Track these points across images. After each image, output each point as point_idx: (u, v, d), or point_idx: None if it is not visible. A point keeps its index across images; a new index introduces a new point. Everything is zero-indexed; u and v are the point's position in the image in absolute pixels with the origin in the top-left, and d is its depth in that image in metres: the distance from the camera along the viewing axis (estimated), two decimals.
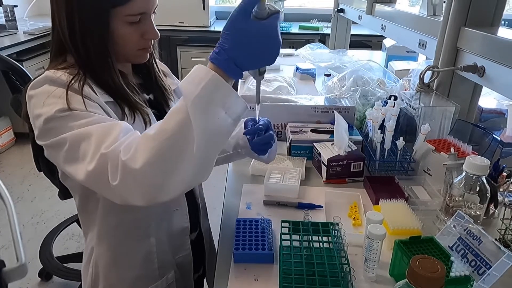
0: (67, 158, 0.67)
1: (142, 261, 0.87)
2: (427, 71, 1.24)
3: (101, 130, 0.65)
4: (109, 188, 0.62)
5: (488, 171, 0.90)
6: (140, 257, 0.87)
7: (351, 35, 2.99)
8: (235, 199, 1.04)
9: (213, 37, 3.96)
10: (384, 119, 1.20)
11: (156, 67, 0.92)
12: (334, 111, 1.22)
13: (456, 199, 0.91)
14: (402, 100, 1.29)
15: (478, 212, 0.90)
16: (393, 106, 1.19)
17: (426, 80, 1.26)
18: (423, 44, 1.43)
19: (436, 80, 1.26)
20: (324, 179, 1.12)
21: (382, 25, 1.87)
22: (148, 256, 0.87)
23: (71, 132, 0.66)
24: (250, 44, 0.59)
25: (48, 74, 0.72)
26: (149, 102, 0.88)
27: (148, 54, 0.83)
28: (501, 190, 1.02)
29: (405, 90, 1.45)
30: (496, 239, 0.90)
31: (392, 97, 1.26)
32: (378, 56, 2.62)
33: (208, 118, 0.59)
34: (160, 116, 0.85)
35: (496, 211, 0.99)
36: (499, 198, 0.98)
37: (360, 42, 3.87)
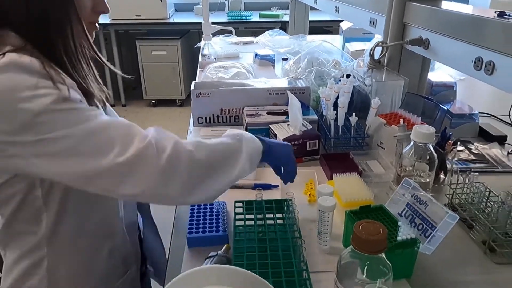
0: (68, 152, 0.59)
1: (107, 258, 0.81)
2: (377, 47, 1.25)
3: (121, 124, 0.63)
4: (143, 177, 0.61)
5: (435, 139, 0.93)
6: (105, 254, 0.81)
7: (312, 21, 3.00)
8: None
9: (173, 30, 3.88)
10: (337, 97, 1.21)
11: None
12: (288, 91, 1.22)
13: (407, 168, 0.93)
14: (355, 78, 1.31)
15: (428, 180, 0.93)
16: (345, 84, 1.20)
17: (376, 57, 1.28)
18: (373, 22, 1.45)
19: (386, 56, 1.29)
20: None
21: (336, 7, 1.88)
22: (112, 252, 0.82)
23: (80, 125, 0.60)
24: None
25: (14, 59, 0.58)
26: None
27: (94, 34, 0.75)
28: (450, 158, 1.06)
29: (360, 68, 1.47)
30: (444, 204, 0.93)
31: (345, 75, 1.27)
32: (337, 40, 2.64)
33: (244, 171, 0.73)
34: None
35: (446, 178, 1.02)
36: (447, 166, 1.02)
37: (321, 28, 3.90)
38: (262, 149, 0.77)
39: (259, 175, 1.05)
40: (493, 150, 1.17)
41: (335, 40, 2.70)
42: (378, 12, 1.41)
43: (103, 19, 3.72)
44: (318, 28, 3.72)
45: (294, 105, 1.13)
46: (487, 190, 0.86)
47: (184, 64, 3.94)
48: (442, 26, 1.05)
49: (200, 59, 2.13)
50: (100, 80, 0.77)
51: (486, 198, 0.87)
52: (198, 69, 2.01)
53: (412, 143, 0.90)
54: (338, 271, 0.60)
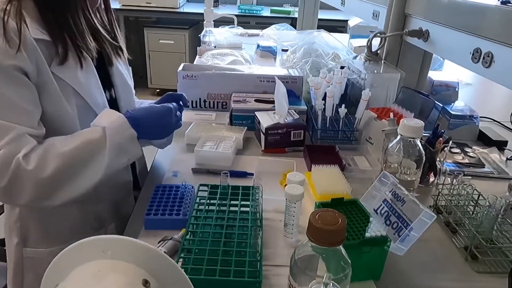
0: None
1: (78, 212, 0.83)
2: (374, 39, 1.18)
3: None
4: None
5: (423, 133, 0.86)
6: (76, 209, 0.82)
7: (324, 19, 2.92)
8: (163, 168, 0.97)
9: (182, 19, 3.84)
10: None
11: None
12: (275, 77, 1.15)
13: (392, 165, 0.86)
14: (351, 70, 1.24)
15: (414, 178, 0.86)
16: (339, 75, 1.14)
17: (374, 49, 1.21)
18: (376, 15, 1.38)
19: (384, 48, 1.21)
20: (263, 148, 1.06)
21: (341, 0, 1.81)
22: (84, 208, 0.84)
23: None
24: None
25: None
26: None
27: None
28: (442, 159, 0.98)
29: None
30: (429, 206, 0.86)
31: (340, 67, 1.21)
32: (345, 39, 2.57)
33: (119, 161, 0.75)
34: None
35: (436, 180, 0.95)
36: (438, 167, 0.94)
37: (334, 28, 3.81)
38: (135, 134, 0.76)
39: (236, 162, 1.00)
40: (491, 155, 1.09)
41: (344, 38, 2.63)
42: (382, 4, 1.34)
43: (113, 4, 3.70)
44: (330, 27, 3.60)
45: (280, 91, 1.07)
46: (476, 193, 0.79)
47: (191, 55, 3.89)
48: (442, 15, 0.98)
49: (200, 46, 2.08)
50: (114, 33, 0.87)
51: (474, 202, 0.80)
52: (197, 56, 1.96)
53: (399, 137, 0.83)
54: (291, 267, 0.53)
